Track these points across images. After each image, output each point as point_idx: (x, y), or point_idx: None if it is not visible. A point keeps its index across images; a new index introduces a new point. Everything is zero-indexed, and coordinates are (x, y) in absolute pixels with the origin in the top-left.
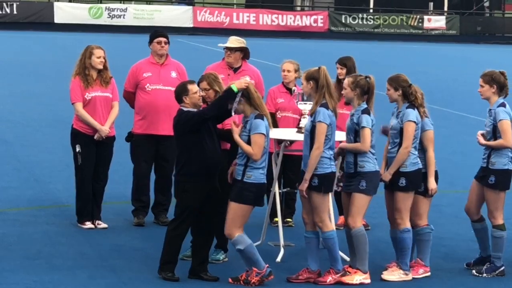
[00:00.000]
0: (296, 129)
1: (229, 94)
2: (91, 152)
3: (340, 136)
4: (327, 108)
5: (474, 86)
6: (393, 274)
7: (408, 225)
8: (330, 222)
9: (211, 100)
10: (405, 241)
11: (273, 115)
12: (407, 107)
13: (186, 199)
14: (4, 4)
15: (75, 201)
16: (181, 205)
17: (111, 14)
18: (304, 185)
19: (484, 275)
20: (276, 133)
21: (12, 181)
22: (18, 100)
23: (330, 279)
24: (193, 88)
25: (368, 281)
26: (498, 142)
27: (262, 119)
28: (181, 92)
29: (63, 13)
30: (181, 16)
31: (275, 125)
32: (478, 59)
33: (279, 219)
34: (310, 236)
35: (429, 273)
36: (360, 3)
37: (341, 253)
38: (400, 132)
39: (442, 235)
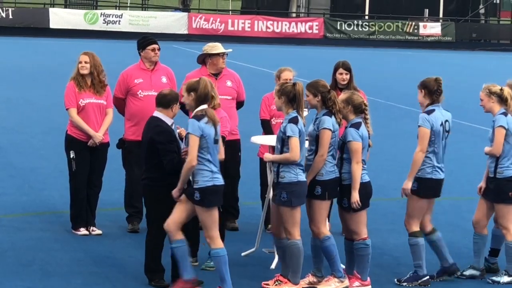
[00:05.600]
0: None
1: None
2: (85, 158)
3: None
4: (199, 119)
5: (470, 93)
6: (329, 285)
7: (326, 233)
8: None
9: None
10: (329, 249)
11: (268, 122)
12: (323, 114)
13: (159, 208)
14: (0, 9)
15: (69, 208)
16: (154, 213)
17: (106, 20)
18: (176, 193)
19: (404, 284)
20: (271, 140)
21: (7, 187)
22: (13, 106)
23: None
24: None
25: None
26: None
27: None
28: (173, 100)
29: (58, 18)
30: (176, 22)
31: (270, 131)
32: (473, 66)
33: None
34: (175, 245)
35: (368, 287)
36: (356, 10)
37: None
38: (316, 139)
39: None
